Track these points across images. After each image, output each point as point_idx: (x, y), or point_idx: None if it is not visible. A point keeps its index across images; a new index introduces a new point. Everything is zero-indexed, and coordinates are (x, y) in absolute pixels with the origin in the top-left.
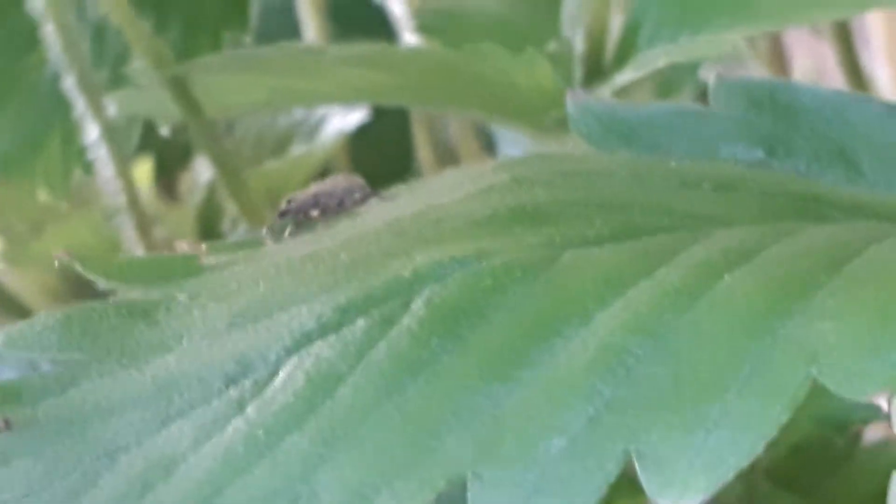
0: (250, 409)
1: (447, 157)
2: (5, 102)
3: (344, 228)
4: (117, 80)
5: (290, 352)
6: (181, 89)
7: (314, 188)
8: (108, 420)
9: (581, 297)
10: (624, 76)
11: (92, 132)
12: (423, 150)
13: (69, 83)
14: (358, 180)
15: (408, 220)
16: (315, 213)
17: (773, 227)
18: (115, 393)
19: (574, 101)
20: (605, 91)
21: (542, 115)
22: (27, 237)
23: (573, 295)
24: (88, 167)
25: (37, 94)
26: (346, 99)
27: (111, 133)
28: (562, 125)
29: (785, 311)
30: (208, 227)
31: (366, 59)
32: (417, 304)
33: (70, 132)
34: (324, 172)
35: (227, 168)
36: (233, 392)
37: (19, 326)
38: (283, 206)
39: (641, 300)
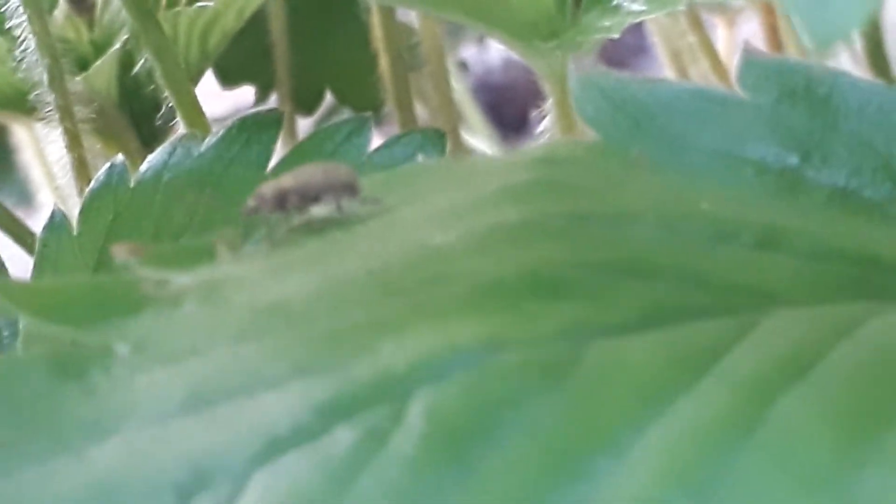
0: None
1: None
2: None
3: (318, 256)
4: None
5: (256, 463)
6: None
7: (287, 178)
8: None
9: (611, 420)
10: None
11: None
12: None
13: None
14: (341, 172)
15: (398, 271)
16: (286, 209)
17: (831, 314)
18: (51, 492)
19: (578, 74)
20: (603, 21)
21: (534, 32)
22: None
23: (602, 416)
24: None
25: None
26: None
27: None
28: (556, 50)
29: (857, 462)
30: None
31: None
32: (413, 416)
33: None
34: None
35: (168, 64)
36: None
37: None
38: (249, 202)
39: (683, 433)
